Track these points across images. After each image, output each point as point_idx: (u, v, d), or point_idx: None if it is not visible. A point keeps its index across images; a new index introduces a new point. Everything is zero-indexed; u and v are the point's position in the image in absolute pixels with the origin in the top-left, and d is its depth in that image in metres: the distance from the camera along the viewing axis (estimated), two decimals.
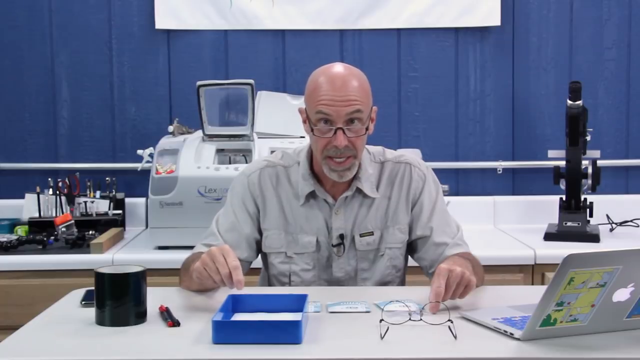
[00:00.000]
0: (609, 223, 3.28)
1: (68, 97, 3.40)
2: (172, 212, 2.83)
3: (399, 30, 3.40)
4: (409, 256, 2.21)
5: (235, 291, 1.75)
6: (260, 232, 2.15)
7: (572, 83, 3.04)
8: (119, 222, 3.17)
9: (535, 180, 3.44)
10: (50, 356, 1.53)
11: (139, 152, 3.18)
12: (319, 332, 1.63)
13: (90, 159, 3.40)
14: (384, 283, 2.14)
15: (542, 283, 2.80)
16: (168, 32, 3.38)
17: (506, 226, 3.35)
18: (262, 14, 3.35)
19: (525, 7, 3.40)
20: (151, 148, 3.09)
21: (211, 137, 2.98)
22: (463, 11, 3.36)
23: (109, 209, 3.21)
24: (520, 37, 3.41)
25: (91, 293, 1.80)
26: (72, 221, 3.01)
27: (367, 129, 2.02)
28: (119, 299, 1.68)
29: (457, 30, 3.40)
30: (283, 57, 3.40)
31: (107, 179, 3.28)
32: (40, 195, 3.18)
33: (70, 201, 3.18)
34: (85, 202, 3.19)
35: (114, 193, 3.25)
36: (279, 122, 3.10)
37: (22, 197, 3.27)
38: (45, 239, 2.90)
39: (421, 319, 1.66)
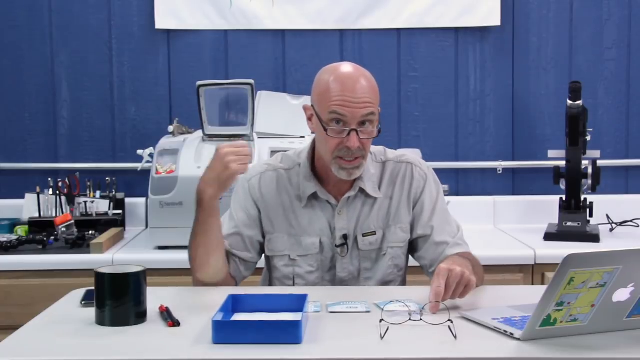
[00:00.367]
0: (609, 223, 3.28)
1: (68, 97, 3.40)
2: (172, 212, 2.83)
3: (399, 30, 3.40)
4: (410, 255, 2.22)
5: (235, 291, 1.75)
6: (263, 236, 2.16)
7: (572, 83, 3.04)
8: (119, 222, 3.17)
9: (535, 180, 3.44)
10: (50, 356, 1.53)
11: (139, 152, 3.18)
12: (319, 332, 1.63)
13: (90, 159, 3.40)
14: (386, 282, 2.14)
15: (542, 283, 2.80)
16: (168, 32, 3.38)
17: (506, 226, 3.35)
18: (262, 14, 3.35)
19: (525, 7, 3.40)
20: (151, 148, 3.09)
21: (211, 137, 2.98)
22: (463, 11, 3.36)
23: (109, 209, 3.21)
24: (520, 37, 3.41)
25: (91, 293, 1.80)
26: (72, 221, 3.01)
27: (379, 131, 2.03)
28: (119, 299, 1.68)
29: (457, 30, 3.40)
30: (283, 57, 3.40)
31: (107, 179, 3.28)
32: (40, 195, 3.18)
33: (70, 201, 3.18)
34: (85, 202, 3.19)
35: (114, 193, 3.25)
36: (279, 122, 3.10)
37: (22, 197, 3.27)
38: (45, 239, 2.90)
39: (421, 319, 1.66)
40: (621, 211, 3.32)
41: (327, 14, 3.37)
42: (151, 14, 3.35)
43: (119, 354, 1.54)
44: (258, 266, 2.23)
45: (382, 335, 1.59)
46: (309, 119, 2.09)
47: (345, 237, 2.11)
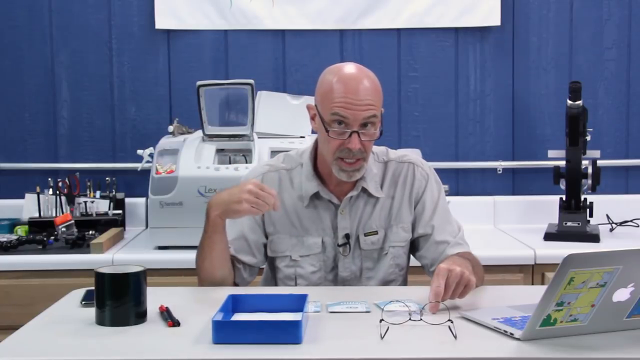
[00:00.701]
0: (609, 223, 3.28)
1: (68, 97, 3.40)
2: (172, 212, 2.83)
3: (399, 30, 3.40)
4: (411, 255, 2.22)
5: (235, 291, 1.75)
6: (267, 237, 2.16)
7: (572, 83, 3.04)
8: (119, 222, 3.17)
9: (535, 180, 3.44)
10: (50, 356, 1.53)
11: (139, 152, 3.18)
12: (319, 332, 1.63)
13: (90, 159, 3.40)
14: (387, 282, 2.15)
15: (542, 283, 2.80)
16: (168, 32, 3.38)
17: (506, 226, 3.35)
18: (262, 14, 3.35)
19: (525, 7, 3.40)
20: (151, 148, 3.09)
21: (211, 137, 2.98)
22: (463, 11, 3.36)
23: (109, 209, 3.21)
24: (520, 37, 3.41)
25: (91, 293, 1.80)
26: (72, 221, 3.01)
27: (380, 133, 2.03)
28: (119, 299, 1.68)
29: (457, 30, 3.40)
30: (283, 57, 3.40)
31: (107, 179, 3.28)
32: (40, 195, 3.18)
33: (70, 201, 3.18)
34: (85, 202, 3.19)
35: (114, 193, 3.25)
36: (279, 122, 3.10)
37: (22, 197, 3.27)
38: (45, 239, 2.90)
39: (421, 319, 1.66)
40: (621, 211, 3.32)
41: (327, 14, 3.37)
42: (151, 14, 3.34)
43: (119, 354, 1.54)
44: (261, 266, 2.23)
45: (382, 335, 1.59)
46: (312, 118, 2.10)
47: (347, 236, 2.12)
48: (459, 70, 3.42)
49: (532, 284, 2.83)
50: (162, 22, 3.35)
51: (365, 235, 2.13)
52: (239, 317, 1.71)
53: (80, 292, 1.95)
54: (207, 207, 2.02)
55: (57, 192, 3.17)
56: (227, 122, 3.16)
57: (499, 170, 3.42)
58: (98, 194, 3.25)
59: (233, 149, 2.99)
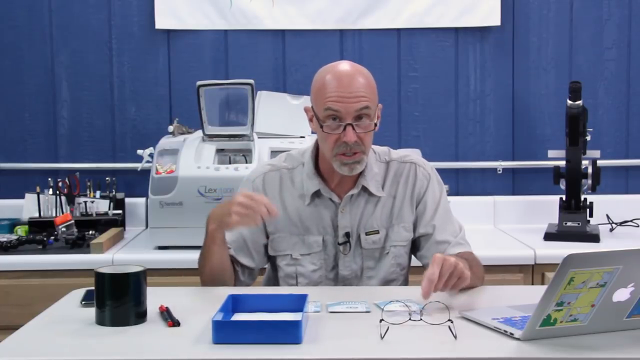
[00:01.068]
0: (609, 223, 3.28)
1: (68, 97, 3.40)
2: (172, 212, 2.83)
3: (399, 30, 3.40)
4: (412, 254, 2.22)
5: (235, 291, 1.75)
6: (267, 236, 2.16)
7: (572, 83, 3.04)
8: (119, 222, 3.17)
9: (535, 180, 3.44)
10: (50, 356, 1.53)
11: (139, 152, 3.18)
12: (319, 332, 1.63)
13: (90, 159, 3.40)
14: (388, 281, 2.15)
15: (542, 283, 2.80)
16: (168, 32, 3.38)
17: (506, 226, 3.35)
18: (262, 14, 3.35)
19: (525, 7, 3.40)
20: (151, 148, 3.09)
21: (211, 137, 2.98)
22: (463, 11, 3.36)
23: (109, 209, 3.21)
24: (520, 37, 3.41)
25: (91, 293, 1.80)
26: (72, 221, 3.01)
27: (375, 125, 2.03)
28: (119, 299, 1.68)
29: (457, 30, 3.40)
30: (283, 57, 3.40)
31: (107, 179, 3.28)
32: (40, 195, 3.18)
33: (70, 201, 3.18)
34: (85, 202, 3.19)
35: (114, 193, 3.25)
36: (279, 122, 3.10)
37: (22, 197, 3.27)
38: (45, 239, 2.90)
39: (421, 319, 1.66)
40: (621, 211, 3.32)
41: (327, 14, 3.37)
42: (151, 14, 3.35)
43: (119, 354, 1.54)
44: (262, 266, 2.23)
45: (382, 335, 1.59)
46: (310, 119, 2.11)
47: (347, 234, 2.12)
48: (459, 70, 3.42)
49: (532, 284, 2.83)
50: (162, 22, 3.35)
51: (366, 234, 2.13)
52: (239, 317, 1.71)
53: (80, 292, 1.95)
54: (207, 219, 2.04)
55: (57, 192, 3.18)
56: (227, 122, 3.16)
57: (499, 170, 3.42)
58: (98, 194, 3.25)
59: (233, 149, 2.99)
